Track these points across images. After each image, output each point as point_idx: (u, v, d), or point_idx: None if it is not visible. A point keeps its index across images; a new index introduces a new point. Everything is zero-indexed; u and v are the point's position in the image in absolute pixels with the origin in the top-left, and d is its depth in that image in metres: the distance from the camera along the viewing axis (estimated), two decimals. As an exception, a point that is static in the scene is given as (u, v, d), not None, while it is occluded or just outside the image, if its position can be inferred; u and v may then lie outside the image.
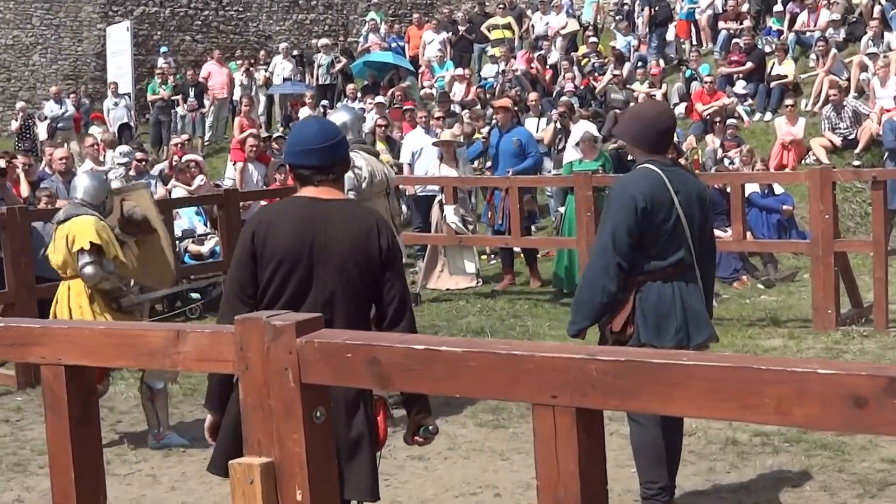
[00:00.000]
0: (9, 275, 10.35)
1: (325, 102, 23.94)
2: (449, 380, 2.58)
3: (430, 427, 4.88)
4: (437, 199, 14.16)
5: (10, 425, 9.01)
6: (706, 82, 20.16)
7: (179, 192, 14.50)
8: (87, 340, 3.30)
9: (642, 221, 5.80)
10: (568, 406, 2.38)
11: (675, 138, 18.17)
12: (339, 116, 8.99)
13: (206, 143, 23.94)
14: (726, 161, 16.86)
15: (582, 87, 21.84)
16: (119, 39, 27.85)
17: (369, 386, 2.78)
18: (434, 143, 14.98)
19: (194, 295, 13.60)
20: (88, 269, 7.94)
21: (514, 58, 23.55)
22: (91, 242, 7.94)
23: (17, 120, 23.95)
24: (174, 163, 16.57)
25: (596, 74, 22.31)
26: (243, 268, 4.61)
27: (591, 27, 25.28)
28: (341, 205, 4.72)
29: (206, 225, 14.60)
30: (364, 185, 8.49)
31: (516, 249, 13.99)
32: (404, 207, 15.44)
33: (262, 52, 28.54)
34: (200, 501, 7.12)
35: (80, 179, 8.63)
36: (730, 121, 18.65)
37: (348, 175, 8.47)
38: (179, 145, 18.73)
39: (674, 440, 6.20)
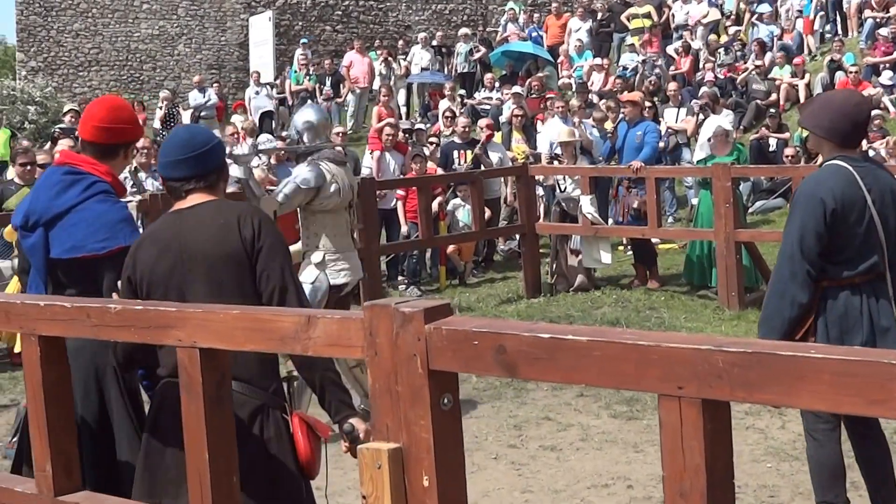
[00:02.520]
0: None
1: (462, 91, 24.00)
2: (575, 369, 2.57)
3: (346, 426, 4.16)
4: (557, 199, 13.99)
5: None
6: (851, 72, 19.69)
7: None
8: (220, 324, 3.37)
9: (832, 225, 5.30)
10: (694, 397, 2.36)
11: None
12: (305, 114, 8.71)
13: (347, 133, 24.19)
14: (871, 152, 16.47)
15: (722, 77, 21.54)
16: (261, 29, 28.34)
17: (496, 374, 2.78)
18: (557, 145, 14.88)
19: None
20: None
21: (651, 44, 23.34)
22: None
23: (161, 108, 24.48)
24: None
25: (737, 64, 21.98)
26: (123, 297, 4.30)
27: (732, 16, 24.90)
28: (201, 208, 4.30)
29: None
30: (324, 199, 8.34)
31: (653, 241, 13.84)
32: (540, 191, 15.39)
33: (401, 42, 28.73)
34: (333, 486, 7.17)
35: None
36: (875, 111, 18.22)
37: (297, 182, 8.23)
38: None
39: (871, 456, 5.75)
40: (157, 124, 23.91)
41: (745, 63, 21.84)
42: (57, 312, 3.82)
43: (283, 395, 4.37)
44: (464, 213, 14.81)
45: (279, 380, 4.37)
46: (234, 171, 8.19)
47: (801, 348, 2.24)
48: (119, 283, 4.42)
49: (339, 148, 9.63)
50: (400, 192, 14.68)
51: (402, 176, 15.01)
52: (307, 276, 8.28)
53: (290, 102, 25.67)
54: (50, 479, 3.88)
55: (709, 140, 13.88)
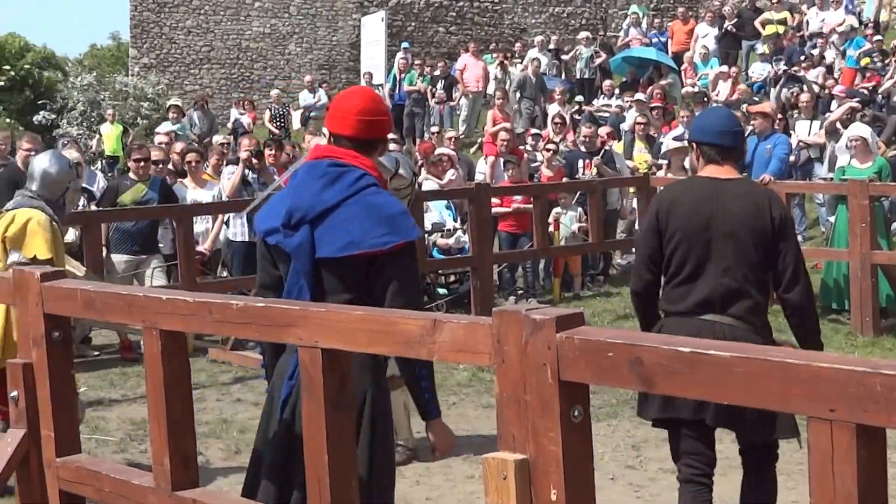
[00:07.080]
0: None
1: (579, 98, 23.66)
2: (716, 385, 2.46)
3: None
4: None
5: (260, 408, 9.15)
6: None
7: (430, 185, 14.47)
8: (343, 325, 3.31)
9: None
10: (847, 421, 2.23)
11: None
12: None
13: (460, 137, 24.03)
14: None
15: (862, 87, 20.81)
16: (374, 30, 28.28)
17: (631, 387, 2.68)
18: (663, 154, 14.57)
19: (441, 290, 13.57)
20: None
21: (783, 51, 22.65)
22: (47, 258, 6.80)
23: (270, 109, 24.61)
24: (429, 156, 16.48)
25: (877, 75, 21.18)
26: (649, 241, 5.37)
27: (872, 24, 24.00)
28: (737, 183, 5.36)
29: (455, 220, 14.36)
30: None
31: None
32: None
33: (517, 45, 28.41)
34: (443, 498, 7.06)
35: (38, 163, 7.36)
36: None
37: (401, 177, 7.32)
38: (431, 138, 18.84)
39: None
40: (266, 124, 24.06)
41: (885, 75, 21.01)
42: (178, 307, 3.81)
43: None
44: (567, 220, 14.33)
45: None
46: None
47: (969, 373, 2.10)
48: (640, 226, 5.00)
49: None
50: (518, 197, 14.16)
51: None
52: None
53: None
54: (168, 474, 3.87)
55: (847, 147, 13.22)
